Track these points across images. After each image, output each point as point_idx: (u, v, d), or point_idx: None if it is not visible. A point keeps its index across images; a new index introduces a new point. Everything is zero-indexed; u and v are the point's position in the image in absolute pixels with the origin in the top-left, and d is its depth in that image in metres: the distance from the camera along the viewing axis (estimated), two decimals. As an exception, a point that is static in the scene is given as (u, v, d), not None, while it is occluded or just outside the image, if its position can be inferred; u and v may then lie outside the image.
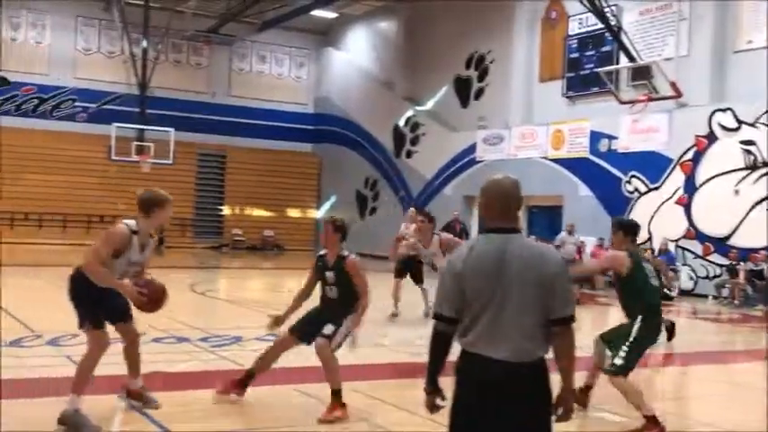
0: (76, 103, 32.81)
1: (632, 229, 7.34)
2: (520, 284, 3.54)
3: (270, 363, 7.23)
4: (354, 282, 6.92)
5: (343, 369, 8.93)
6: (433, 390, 3.75)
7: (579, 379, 6.45)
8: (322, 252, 7.15)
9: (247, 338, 10.38)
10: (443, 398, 3.75)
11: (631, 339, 6.87)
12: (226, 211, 35.16)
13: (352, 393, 7.89)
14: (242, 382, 7.09)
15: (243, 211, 35.51)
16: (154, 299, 6.16)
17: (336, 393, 6.69)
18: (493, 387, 3.50)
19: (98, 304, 6.21)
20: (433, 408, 3.75)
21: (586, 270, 12.25)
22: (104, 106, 32.62)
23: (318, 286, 7.17)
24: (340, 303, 6.96)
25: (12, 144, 30.47)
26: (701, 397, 9.51)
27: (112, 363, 8.66)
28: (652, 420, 6.61)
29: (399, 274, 13.34)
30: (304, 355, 9.97)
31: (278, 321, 7.17)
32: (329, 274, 7.00)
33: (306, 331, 7.04)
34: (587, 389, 7.44)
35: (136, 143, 29.47)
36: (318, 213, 36.07)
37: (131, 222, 6.22)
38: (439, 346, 3.69)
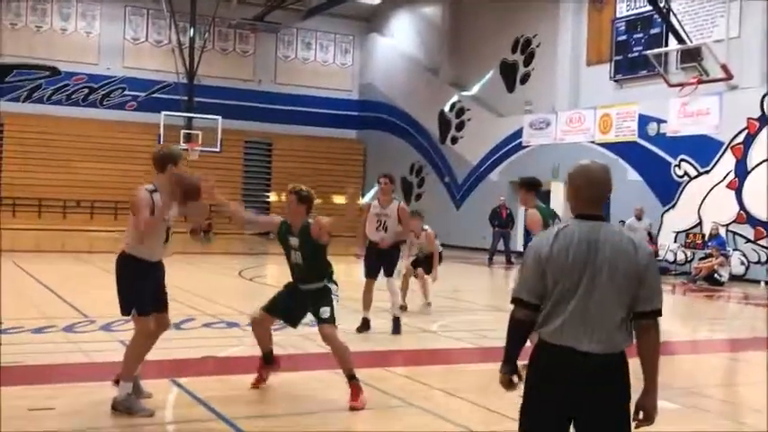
0: (126, 92, 33.20)
1: (534, 185, 8.08)
2: (610, 274, 3.41)
3: (267, 338, 7.10)
4: (320, 242, 6.83)
5: (389, 354, 8.96)
6: (509, 371, 3.62)
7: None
8: (286, 219, 7.02)
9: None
10: (520, 376, 3.63)
11: None
12: (272, 197, 35.35)
13: (400, 378, 7.93)
14: (266, 361, 7.10)
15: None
16: (186, 192, 6.35)
17: (353, 378, 6.60)
18: (579, 381, 3.37)
19: (142, 290, 6.30)
20: (509, 384, 3.62)
21: None
22: (153, 95, 32.98)
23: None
24: (307, 269, 6.85)
25: (63, 133, 30.99)
26: (753, 384, 9.36)
27: (162, 348, 8.79)
28: None
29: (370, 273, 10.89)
30: (350, 339, 10.03)
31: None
32: (293, 240, 6.87)
33: (289, 316, 7.02)
34: None
35: (184, 131, 29.77)
36: (364, 200, 36.08)
37: (149, 186, 6.38)
38: (518, 333, 3.57)
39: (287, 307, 6.97)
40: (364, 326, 10.38)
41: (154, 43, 33.59)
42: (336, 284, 6.95)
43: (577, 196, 3.64)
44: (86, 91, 32.73)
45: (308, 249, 6.81)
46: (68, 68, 32.14)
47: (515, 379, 3.63)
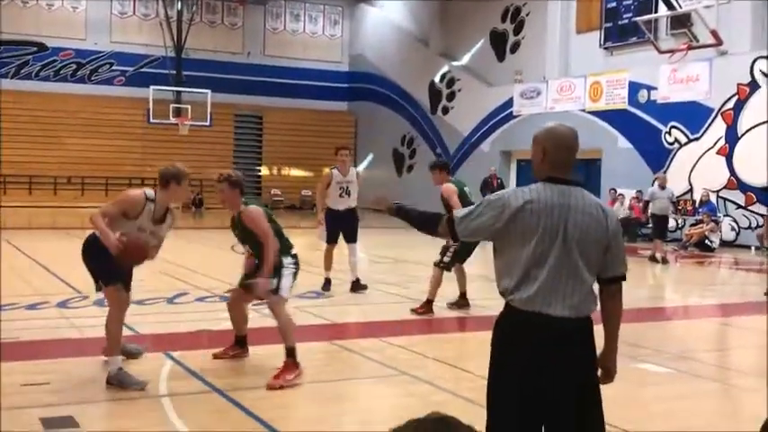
0: (114, 67, 33.01)
1: (446, 165, 10.46)
2: (581, 240, 3.38)
3: (243, 325, 7.17)
4: (255, 232, 6.66)
5: (383, 324, 9.01)
6: (395, 208, 3.91)
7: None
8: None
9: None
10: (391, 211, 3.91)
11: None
12: (264, 171, 35.33)
13: (393, 348, 7.96)
14: (237, 343, 7.17)
15: (280, 171, 35.65)
16: (129, 252, 6.08)
17: (290, 354, 6.50)
18: (550, 345, 3.35)
19: (110, 264, 6.25)
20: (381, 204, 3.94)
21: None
22: (141, 69, 32.79)
23: None
24: (258, 256, 6.79)
25: (52, 109, 30.86)
26: (743, 348, 9.44)
27: (156, 321, 8.81)
28: None
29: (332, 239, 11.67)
30: (336, 312, 10.07)
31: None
32: (236, 233, 6.90)
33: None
34: None
35: (173, 105, 29.65)
36: (359, 169, 35.95)
37: (150, 192, 6.41)
38: (425, 225, 3.74)
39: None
40: (326, 285, 11.30)
41: (141, 17, 33.33)
42: (293, 257, 6.86)
43: (545, 159, 3.54)
44: (74, 66, 32.52)
45: (249, 237, 6.78)
46: (56, 44, 31.92)
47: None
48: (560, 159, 3.53)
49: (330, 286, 11.31)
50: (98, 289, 6.56)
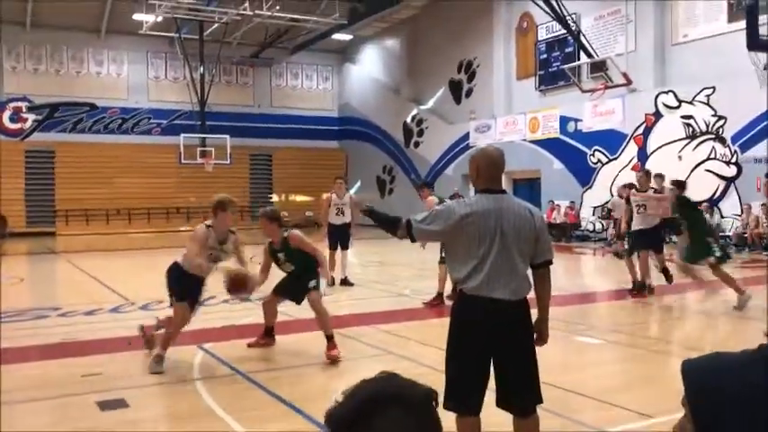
0: (151, 120, 32.83)
1: (429, 184, 10.73)
2: (515, 236, 3.41)
3: (272, 319, 7.07)
4: (304, 250, 6.66)
5: (373, 315, 8.95)
6: (371, 211, 3.82)
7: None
8: (269, 239, 6.83)
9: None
10: (368, 212, 3.82)
11: None
12: (275, 198, 35.16)
13: (381, 333, 7.90)
14: (267, 334, 7.07)
15: (288, 197, 35.51)
16: (236, 284, 6.26)
17: (330, 338, 6.51)
18: (497, 324, 3.39)
19: (183, 288, 6.47)
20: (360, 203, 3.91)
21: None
22: (173, 121, 32.60)
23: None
24: (303, 270, 6.70)
25: (102, 155, 30.69)
26: (660, 321, 9.42)
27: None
28: None
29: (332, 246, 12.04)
30: (336, 306, 9.99)
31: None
32: (281, 255, 6.76)
33: (289, 291, 6.88)
34: None
35: (200, 149, 29.48)
36: (351, 193, 35.90)
37: (207, 222, 6.60)
38: (392, 228, 3.61)
39: (288, 289, 6.90)
40: (332, 281, 11.22)
41: (172, 80, 33.20)
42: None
43: (480, 175, 3.56)
44: (120, 121, 32.32)
45: (295, 256, 6.69)
46: (104, 104, 31.70)
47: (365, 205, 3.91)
48: (491, 174, 3.55)
49: (334, 283, 11.38)
50: (171, 304, 6.63)
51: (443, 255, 9.51)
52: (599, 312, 10.04)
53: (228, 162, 30.00)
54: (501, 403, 3.50)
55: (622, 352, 7.12)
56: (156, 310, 9.36)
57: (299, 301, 6.92)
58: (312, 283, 6.64)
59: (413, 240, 3.60)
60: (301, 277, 6.71)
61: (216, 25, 28.62)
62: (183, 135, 29.30)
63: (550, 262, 3.60)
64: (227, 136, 29.75)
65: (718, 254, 9.00)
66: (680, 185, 10.46)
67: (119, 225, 30.55)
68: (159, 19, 27.11)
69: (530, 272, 3.55)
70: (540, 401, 3.53)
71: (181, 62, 31.36)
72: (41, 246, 22.58)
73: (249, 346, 7.02)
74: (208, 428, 4.71)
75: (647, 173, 11.40)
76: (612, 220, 17.08)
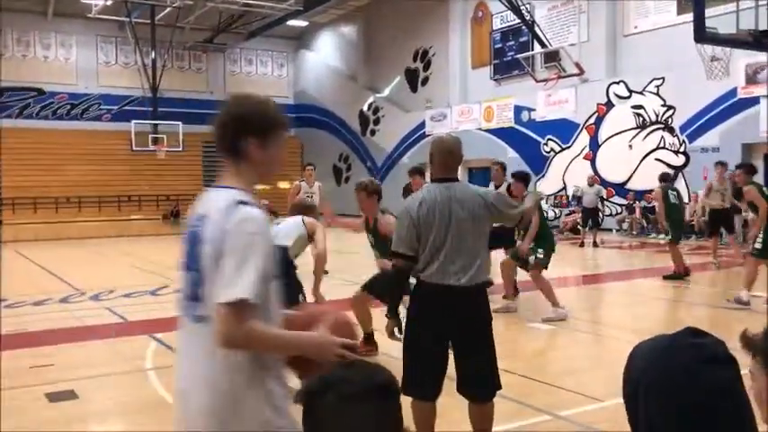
0: (101, 107, 32.07)
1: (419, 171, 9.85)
2: (470, 221, 3.43)
3: (368, 321, 6.16)
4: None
5: (332, 303, 8.91)
6: (395, 315, 3.65)
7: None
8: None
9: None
10: (401, 328, 3.64)
11: None
12: (229, 186, 34.77)
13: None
14: (368, 341, 6.13)
15: (242, 185, 35.14)
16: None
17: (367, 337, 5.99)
18: (454, 308, 3.41)
19: None
20: (392, 333, 3.66)
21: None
22: (124, 107, 31.92)
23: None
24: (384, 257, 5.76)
25: (51, 142, 29.93)
26: (610, 305, 9.64)
27: (142, 311, 8.58)
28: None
29: None
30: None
31: None
32: (370, 238, 6.00)
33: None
34: None
35: (152, 136, 28.94)
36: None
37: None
38: (400, 279, 3.54)
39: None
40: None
41: (122, 65, 32.46)
42: None
43: (433, 163, 3.58)
44: (68, 107, 31.49)
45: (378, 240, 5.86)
46: (52, 89, 30.84)
47: (396, 331, 3.64)
48: (444, 162, 3.56)
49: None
50: None
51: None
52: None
53: (181, 149, 29.53)
54: (460, 389, 3.53)
55: (572, 337, 7.26)
56: (106, 299, 9.21)
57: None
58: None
59: (416, 262, 3.45)
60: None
61: (168, 9, 28.03)
62: (134, 122, 28.76)
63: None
64: (180, 123, 29.28)
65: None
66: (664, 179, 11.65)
67: (68, 213, 29.86)
68: (109, 2, 26.48)
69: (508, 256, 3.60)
70: (498, 388, 3.57)
71: (132, 47, 30.69)
72: (-14, 235, 21.91)
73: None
74: (160, 419, 4.66)
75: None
76: (583, 208, 17.29)
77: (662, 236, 18.12)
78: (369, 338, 6.14)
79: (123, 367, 5.96)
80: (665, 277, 10.77)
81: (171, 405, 4.86)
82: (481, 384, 3.51)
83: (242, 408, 1.80)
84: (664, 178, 11.64)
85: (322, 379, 1.16)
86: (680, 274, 10.72)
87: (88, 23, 29.95)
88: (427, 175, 4.89)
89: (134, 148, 28.73)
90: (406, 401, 3.34)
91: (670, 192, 11.34)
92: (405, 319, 3.60)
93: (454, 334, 3.46)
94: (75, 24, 30.79)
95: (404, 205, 3.57)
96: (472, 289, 3.44)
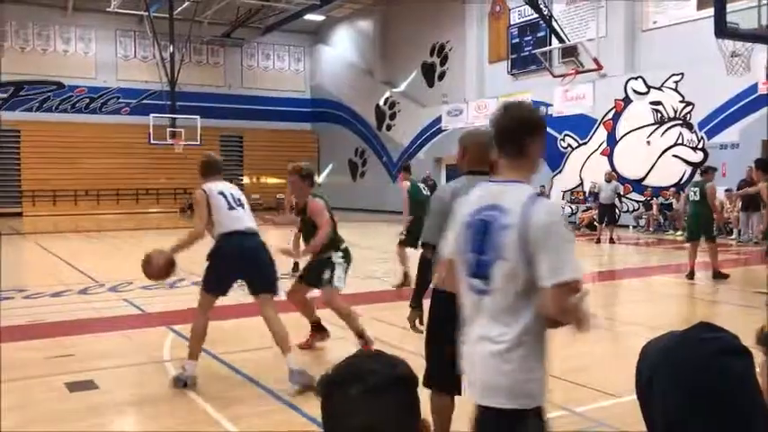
0: (120, 100, 32.32)
1: (405, 167, 10.33)
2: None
3: (310, 314, 6.31)
4: (315, 221, 5.88)
5: (346, 297, 8.90)
6: (418, 306, 3.58)
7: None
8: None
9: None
10: (421, 319, 3.60)
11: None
12: (246, 180, 34.93)
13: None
14: (317, 330, 6.34)
15: (259, 179, 35.28)
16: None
17: (360, 336, 5.90)
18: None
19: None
20: (415, 324, 3.57)
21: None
22: (142, 101, 32.14)
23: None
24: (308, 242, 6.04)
25: (70, 135, 30.22)
26: (626, 303, 9.60)
27: (160, 302, 8.61)
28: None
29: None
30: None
31: None
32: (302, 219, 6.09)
33: (310, 281, 6.17)
34: None
35: (169, 129, 29.10)
36: (319, 179, 35.93)
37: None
38: (426, 270, 3.46)
39: (307, 274, 6.18)
40: (296, 267, 10.39)
41: (141, 59, 32.68)
42: (343, 252, 6.01)
43: (465, 156, 3.53)
44: (87, 100, 31.77)
45: (306, 224, 5.99)
46: (71, 83, 31.07)
47: (418, 322, 3.57)
48: (478, 155, 3.50)
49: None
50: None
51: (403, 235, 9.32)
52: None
53: (199, 143, 29.64)
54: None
55: (588, 333, 7.23)
56: (125, 291, 9.29)
57: (316, 287, 6.06)
58: (325, 278, 5.82)
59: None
60: (318, 264, 5.92)
61: (186, 3, 28.18)
62: (152, 115, 28.89)
63: None
64: (198, 117, 29.39)
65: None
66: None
67: (87, 206, 30.15)
68: (128, -4, 26.62)
69: None
70: None
71: (150, 41, 30.85)
72: (6, 227, 22.17)
73: (301, 347, 6.08)
74: (178, 409, 4.70)
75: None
76: (599, 204, 17.14)
77: (679, 233, 18.01)
78: (318, 326, 6.29)
79: (141, 358, 6.02)
80: (715, 276, 10.35)
81: (188, 397, 4.92)
82: None
83: (528, 362, 2.25)
84: (705, 171, 11.15)
85: (344, 370, 1.16)
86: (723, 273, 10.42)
87: (107, 18, 30.15)
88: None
89: (152, 142, 28.91)
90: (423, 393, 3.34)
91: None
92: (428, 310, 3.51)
93: None
94: (94, 18, 31.04)
95: (435, 195, 3.57)
96: None
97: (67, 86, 31.04)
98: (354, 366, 1.16)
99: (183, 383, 5.12)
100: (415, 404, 1.19)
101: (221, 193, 5.40)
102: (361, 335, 5.90)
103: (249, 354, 6.18)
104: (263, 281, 5.28)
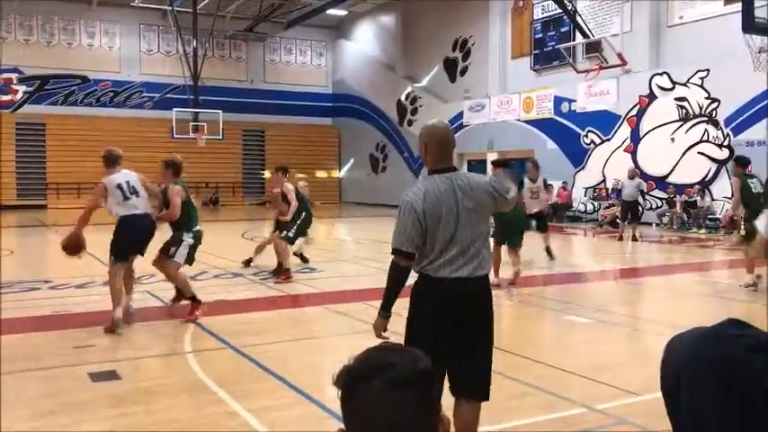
0: (143, 94, 32.62)
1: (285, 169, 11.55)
2: (474, 209, 3.29)
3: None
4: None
5: (368, 291, 8.93)
6: (389, 315, 3.48)
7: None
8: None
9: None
10: (386, 328, 3.49)
11: None
12: (267, 174, 35.08)
13: (374, 310, 7.93)
14: (193, 305, 7.28)
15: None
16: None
17: (191, 299, 7.17)
18: (461, 300, 3.28)
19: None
20: (382, 331, 3.47)
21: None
22: (166, 95, 32.41)
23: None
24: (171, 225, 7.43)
25: (94, 129, 30.52)
26: (649, 302, 9.51)
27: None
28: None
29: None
30: (327, 283, 10.02)
31: None
32: (164, 200, 7.48)
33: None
34: None
35: (192, 124, 29.31)
36: (340, 174, 36.00)
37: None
38: (400, 278, 3.36)
39: (164, 246, 7.40)
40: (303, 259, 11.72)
41: (164, 54, 32.94)
42: (193, 233, 7.24)
43: (428, 153, 3.35)
44: (111, 94, 32.10)
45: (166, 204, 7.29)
46: (96, 77, 31.48)
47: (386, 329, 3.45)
48: (439, 151, 3.35)
49: (250, 263, 11.15)
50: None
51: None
52: (587, 291, 10.10)
53: (221, 137, 29.86)
54: (460, 387, 3.42)
55: (609, 331, 7.19)
56: (147, 283, 9.38)
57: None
58: (172, 250, 7.12)
59: (412, 258, 3.32)
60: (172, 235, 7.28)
61: (209, -2, 28.31)
62: (175, 109, 29.13)
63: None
64: (220, 111, 29.60)
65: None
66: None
67: (110, 199, 30.46)
68: (152, -9, 26.81)
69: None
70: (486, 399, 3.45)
71: (174, 35, 31.05)
72: (32, 219, 22.48)
73: (172, 302, 7.60)
74: (199, 401, 4.75)
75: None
76: (622, 201, 16.92)
77: (702, 231, 17.81)
78: (179, 295, 7.44)
79: (163, 350, 6.09)
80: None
81: (208, 388, 4.97)
82: (486, 381, 3.41)
83: None
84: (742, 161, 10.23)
85: (366, 362, 1.16)
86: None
87: (132, 12, 30.42)
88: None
89: (174, 136, 29.15)
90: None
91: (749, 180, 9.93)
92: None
93: (464, 326, 3.32)
94: (118, 13, 31.34)
95: (404, 200, 3.32)
96: (481, 279, 3.36)
97: (92, 80, 31.46)
98: (377, 359, 1.16)
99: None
100: (435, 399, 1.19)
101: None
102: (193, 298, 7.13)
103: (269, 346, 6.22)
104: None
